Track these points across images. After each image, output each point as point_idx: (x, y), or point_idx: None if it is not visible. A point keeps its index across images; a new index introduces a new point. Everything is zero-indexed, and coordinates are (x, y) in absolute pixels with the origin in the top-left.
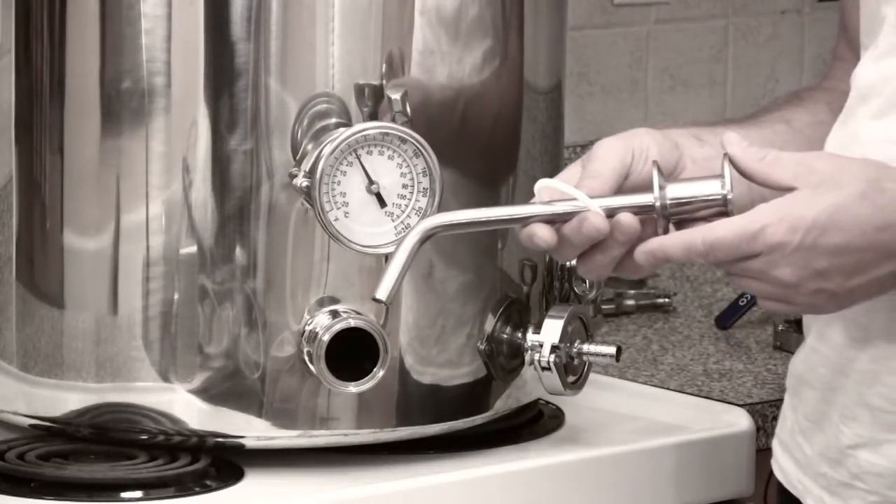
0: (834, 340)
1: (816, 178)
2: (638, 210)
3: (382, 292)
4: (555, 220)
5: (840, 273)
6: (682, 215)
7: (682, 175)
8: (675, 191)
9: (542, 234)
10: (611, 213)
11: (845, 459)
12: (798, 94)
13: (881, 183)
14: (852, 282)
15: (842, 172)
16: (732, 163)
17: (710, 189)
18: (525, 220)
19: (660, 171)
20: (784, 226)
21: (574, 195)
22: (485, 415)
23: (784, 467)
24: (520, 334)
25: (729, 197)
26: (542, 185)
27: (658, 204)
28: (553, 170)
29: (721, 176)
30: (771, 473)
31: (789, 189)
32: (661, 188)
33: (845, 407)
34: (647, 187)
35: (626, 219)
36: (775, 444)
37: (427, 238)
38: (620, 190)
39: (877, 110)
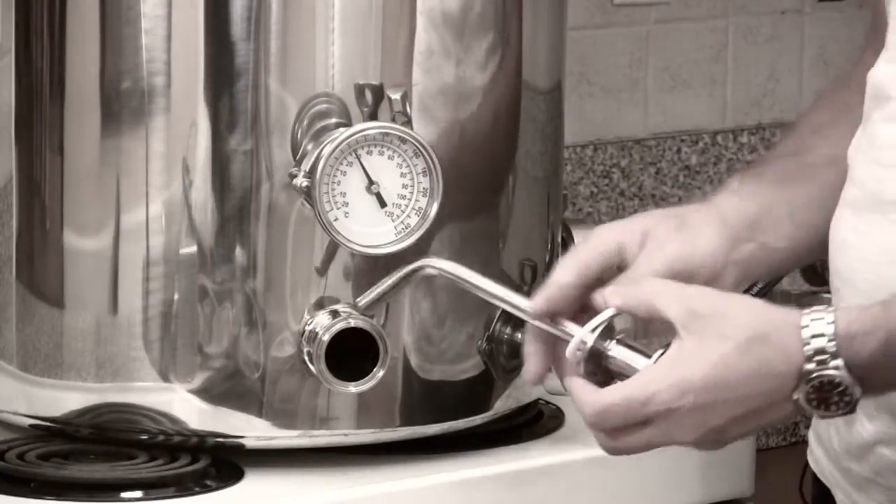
0: None
1: (700, 325)
2: (563, 335)
3: (362, 298)
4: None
5: (736, 423)
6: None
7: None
8: (608, 347)
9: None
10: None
11: (867, 455)
12: (845, 106)
13: (765, 333)
14: (750, 426)
15: (724, 320)
16: (619, 309)
17: (635, 363)
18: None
19: (612, 323)
20: (674, 391)
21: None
22: (485, 415)
23: (818, 458)
24: (520, 334)
25: None
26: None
27: (575, 344)
28: (553, 170)
29: (650, 356)
30: (806, 464)
31: (671, 324)
32: (593, 332)
33: (866, 405)
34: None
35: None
36: (811, 436)
37: (418, 270)
38: (595, 281)
39: (889, 113)
